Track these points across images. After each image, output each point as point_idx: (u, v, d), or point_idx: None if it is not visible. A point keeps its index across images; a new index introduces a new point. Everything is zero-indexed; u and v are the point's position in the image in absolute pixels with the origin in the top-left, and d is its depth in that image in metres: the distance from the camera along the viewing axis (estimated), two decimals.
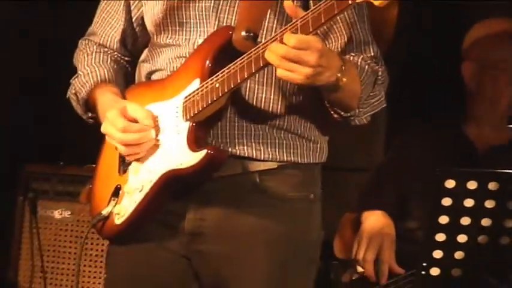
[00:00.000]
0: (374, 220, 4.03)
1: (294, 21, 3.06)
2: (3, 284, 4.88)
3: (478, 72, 4.30)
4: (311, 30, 3.01)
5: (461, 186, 3.72)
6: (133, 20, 3.50)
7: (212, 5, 3.29)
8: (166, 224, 3.26)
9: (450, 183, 3.70)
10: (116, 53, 3.54)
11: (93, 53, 3.55)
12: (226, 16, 3.25)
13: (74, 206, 4.73)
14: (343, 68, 3.09)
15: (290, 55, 3.00)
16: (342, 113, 3.25)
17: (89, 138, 3.75)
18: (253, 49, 3.09)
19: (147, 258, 3.30)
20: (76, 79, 3.49)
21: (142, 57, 3.47)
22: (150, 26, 3.43)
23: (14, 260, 4.82)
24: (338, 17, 3.21)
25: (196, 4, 3.32)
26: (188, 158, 3.17)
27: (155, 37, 3.41)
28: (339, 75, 3.07)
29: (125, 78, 3.53)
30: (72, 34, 4.34)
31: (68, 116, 4.34)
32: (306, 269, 3.37)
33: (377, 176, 4.31)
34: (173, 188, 3.23)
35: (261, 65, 3.10)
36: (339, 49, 3.33)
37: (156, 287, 3.33)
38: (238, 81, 3.10)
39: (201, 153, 3.12)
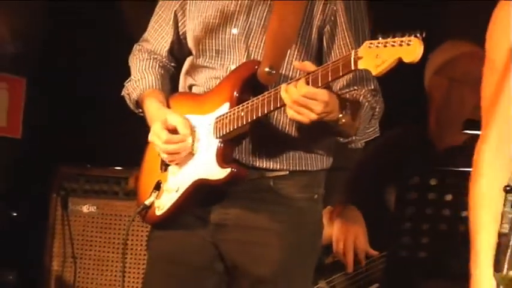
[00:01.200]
0: (346, 214, 4.08)
1: (307, 73, 3.17)
2: (40, 268, 4.84)
3: (445, 85, 4.28)
4: (320, 84, 3.12)
5: (425, 182, 3.81)
6: (180, 34, 3.56)
7: (244, 34, 3.37)
8: (197, 216, 3.37)
9: (415, 180, 3.79)
10: (164, 59, 3.60)
11: (145, 60, 3.61)
12: (254, 49, 3.35)
13: (99, 202, 4.74)
14: (344, 112, 3.19)
15: (300, 101, 3.11)
16: (341, 139, 3.35)
17: (111, 144, 3.87)
18: (273, 89, 3.21)
19: (182, 242, 3.40)
20: (129, 83, 3.57)
21: (185, 69, 3.55)
22: (190, 43, 3.51)
23: (49, 248, 4.82)
24: (344, 53, 3.33)
25: (231, 38, 3.40)
26: (215, 172, 3.29)
27: (195, 58, 3.49)
28: (340, 116, 3.18)
29: (171, 80, 3.60)
30: (100, 42, 4.44)
31: (94, 125, 4.46)
32: (310, 254, 3.47)
33: (353, 175, 4.30)
34: (202, 192, 3.35)
35: (278, 105, 3.21)
36: (345, 83, 3.39)
37: (189, 267, 3.40)
38: (260, 115, 3.23)
39: (227, 171, 3.25)
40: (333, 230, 4.08)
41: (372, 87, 3.38)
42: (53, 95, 5.25)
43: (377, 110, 3.39)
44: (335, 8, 3.34)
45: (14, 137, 5.15)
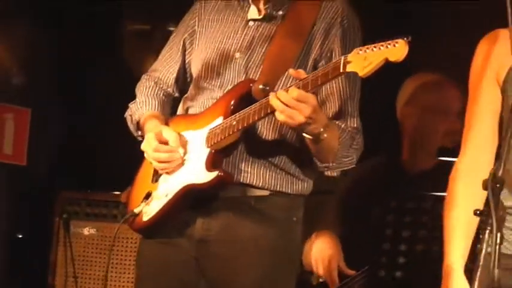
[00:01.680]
0: (322, 240, 4.06)
1: (298, 80, 3.18)
2: (43, 286, 4.82)
3: (415, 115, 4.28)
4: (309, 88, 3.13)
5: (401, 206, 3.86)
6: (186, 62, 3.58)
7: (244, 63, 3.38)
8: (181, 232, 3.33)
9: (392, 204, 3.84)
10: (169, 88, 3.60)
11: (151, 87, 3.61)
12: (252, 72, 3.35)
13: (99, 225, 4.73)
14: (327, 126, 3.19)
15: (291, 103, 3.11)
16: (318, 164, 3.33)
17: (111, 170, 3.90)
18: (264, 99, 3.20)
19: (166, 257, 3.37)
20: (133, 104, 3.59)
21: (187, 94, 3.55)
22: (194, 70, 3.51)
23: (52, 268, 4.82)
24: (334, 90, 3.37)
25: (231, 60, 3.42)
26: (204, 176, 3.27)
27: (197, 80, 3.48)
28: (322, 130, 3.17)
29: (170, 107, 3.60)
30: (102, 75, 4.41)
31: (95, 152, 4.48)
32: (288, 273, 3.43)
33: (333, 202, 4.31)
34: (190, 197, 3.31)
35: (268, 111, 3.20)
36: (330, 116, 3.38)
37: (173, 280, 3.37)
38: (250, 122, 3.22)
39: (214, 174, 3.24)
40: (311, 256, 4.08)
41: (355, 125, 3.39)
42: (56, 124, 5.24)
43: (356, 140, 3.38)
44: (333, 46, 3.36)
45: (20, 164, 5.13)
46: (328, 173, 3.42)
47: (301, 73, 3.20)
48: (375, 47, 3.05)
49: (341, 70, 3.07)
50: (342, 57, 3.09)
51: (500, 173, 2.43)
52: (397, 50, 3.00)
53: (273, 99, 3.17)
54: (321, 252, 4.06)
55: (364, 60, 3.06)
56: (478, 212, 2.43)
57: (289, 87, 3.18)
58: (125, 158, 3.47)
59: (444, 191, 3.55)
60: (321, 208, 4.25)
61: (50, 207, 4.88)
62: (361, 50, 3.06)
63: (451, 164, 3.66)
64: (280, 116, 3.15)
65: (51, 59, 5.33)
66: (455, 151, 3.80)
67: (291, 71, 3.24)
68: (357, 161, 3.44)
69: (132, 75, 3.67)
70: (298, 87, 3.15)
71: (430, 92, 4.24)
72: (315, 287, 4.25)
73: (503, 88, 2.82)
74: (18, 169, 5.19)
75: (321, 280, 4.21)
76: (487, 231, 2.36)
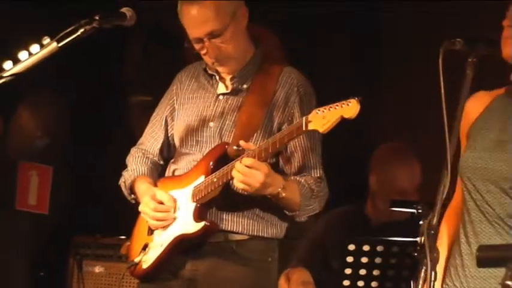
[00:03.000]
0: (298, 275, 4.04)
1: (250, 150, 3.18)
2: None
3: (379, 179, 4.31)
4: (262, 156, 3.15)
5: (359, 249, 3.79)
6: (169, 135, 3.55)
7: (218, 130, 3.36)
8: (173, 273, 3.32)
9: (351, 247, 3.75)
10: (155, 158, 3.57)
11: (139, 157, 3.58)
12: (226, 137, 3.33)
13: (108, 264, 4.69)
14: (285, 186, 3.21)
15: (245, 172, 3.12)
16: (287, 212, 3.32)
17: (117, 219, 3.90)
18: (234, 161, 3.18)
19: None
20: (126, 172, 3.56)
21: (172, 160, 3.50)
22: (176, 139, 3.49)
23: None
24: (298, 148, 3.36)
25: (207, 129, 3.39)
26: (192, 227, 3.27)
27: (179, 148, 3.47)
28: (280, 190, 3.19)
29: (157, 173, 3.55)
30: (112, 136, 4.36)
31: (105, 203, 4.41)
32: None
33: (306, 243, 4.32)
34: (181, 245, 3.30)
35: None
36: (296, 169, 3.36)
37: None
38: (228, 178, 3.19)
39: (201, 224, 3.24)
40: (290, 285, 4.04)
41: (318, 175, 3.36)
42: (71, 179, 5.19)
43: (315, 191, 3.34)
44: (293, 111, 3.32)
45: (42, 213, 5.04)
46: (297, 219, 3.36)
47: (250, 145, 3.22)
48: (331, 107, 3.04)
49: (303, 129, 3.07)
50: (304, 118, 3.08)
51: (434, 221, 2.45)
52: (350, 108, 3.01)
53: (233, 171, 3.18)
54: (296, 284, 4.02)
55: (323, 118, 3.05)
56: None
57: (242, 157, 3.20)
58: (128, 208, 3.49)
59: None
60: (294, 250, 4.23)
61: (66, 249, 4.84)
62: (319, 110, 3.07)
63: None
64: (239, 185, 3.17)
65: (68, 126, 5.28)
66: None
67: (242, 142, 3.25)
68: (321, 207, 3.42)
69: (134, 139, 3.70)
70: (253, 157, 3.17)
71: (385, 158, 4.27)
72: None
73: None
74: (41, 217, 5.08)
75: None
76: (423, 270, 2.39)
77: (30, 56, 2.80)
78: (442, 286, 3.00)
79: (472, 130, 2.98)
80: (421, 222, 2.49)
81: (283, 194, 3.22)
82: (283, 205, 3.29)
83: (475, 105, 3.03)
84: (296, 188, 3.28)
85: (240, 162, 3.18)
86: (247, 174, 3.15)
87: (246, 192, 3.22)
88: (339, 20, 5.18)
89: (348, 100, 3.01)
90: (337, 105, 3.03)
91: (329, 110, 3.05)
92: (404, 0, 4.92)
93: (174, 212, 3.36)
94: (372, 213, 4.39)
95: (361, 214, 4.41)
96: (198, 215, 3.27)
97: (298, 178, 3.32)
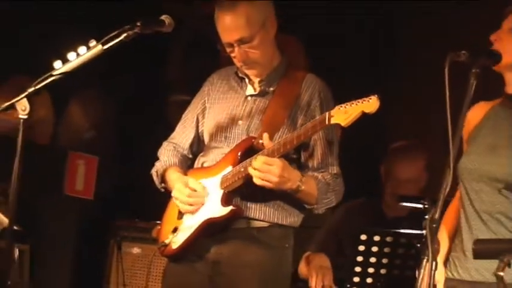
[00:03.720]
0: (318, 259, 4.02)
1: (265, 148, 3.18)
2: None
3: (385, 169, 4.31)
4: (276, 154, 3.14)
5: (370, 239, 3.81)
6: (199, 133, 3.54)
7: (246, 128, 3.35)
8: (199, 255, 3.32)
9: (363, 236, 3.78)
10: (184, 151, 3.56)
11: (171, 150, 3.56)
12: (252, 133, 3.31)
13: (144, 246, 4.70)
14: (302, 180, 3.20)
15: (262, 168, 3.13)
16: (306, 206, 3.31)
17: (152, 205, 3.87)
18: (256, 154, 3.18)
19: (186, 276, 3.37)
20: (158, 162, 3.54)
21: (202, 153, 3.49)
22: (206, 135, 3.47)
23: (107, 277, 4.81)
24: (318, 147, 3.35)
25: (235, 126, 3.38)
26: (220, 211, 3.28)
27: (208, 142, 3.45)
28: (299, 183, 3.20)
29: (187, 165, 3.54)
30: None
31: (142, 192, 4.22)
32: (282, 285, 3.39)
33: (324, 231, 4.30)
34: (208, 229, 3.31)
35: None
36: (315, 166, 3.34)
37: None
38: (248, 172, 3.19)
39: (228, 208, 3.25)
40: (309, 269, 4.03)
41: (335, 172, 3.35)
42: (114, 168, 5.19)
43: (331, 186, 3.33)
44: (314, 113, 3.30)
45: (88, 198, 5.06)
46: (315, 211, 3.36)
47: (269, 143, 3.19)
48: (352, 103, 3.04)
49: (327, 122, 3.07)
50: (327, 113, 3.08)
51: (436, 216, 2.47)
52: (371, 104, 3.01)
53: (249, 169, 3.18)
54: (316, 267, 4.00)
55: (345, 113, 3.05)
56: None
57: (258, 154, 3.20)
58: (163, 196, 3.44)
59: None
60: (313, 238, 4.19)
61: (107, 233, 4.87)
62: (341, 106, 3.07)
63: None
64: (257, 181, 3.16)
65: (114, 120, 5.30)
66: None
67: (265, 137, 3.23)
68: (338, 200, 3.40)
69: (171, 133, 3.72)
70: (267, 155, 3.16)
71: (399, 154, 4.26)
72: None
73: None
74: (86, 202, 5.08)
75: None
76: (425, 259, 2.43)
77: (78, 56, 2.83)
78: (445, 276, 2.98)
79: (470, 137, 2.99)
80: (426, 217, 2.49)
81: (303, 187, 3.21)
82: (302, 199, 3.30)
83: (475, 115, 3.01)
84: (313, 183, 3.28)
85: (256, 159, 3.18)
86: (264, 171, 3.15)
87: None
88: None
89: (369, 97, 3.01)
90: (358, 101, 3.03)
91: (351, 105, 3.05)
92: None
93: (204, 196, 3.35)
94: (385, 206, 4.37)
95: (378, 207, 4.38)
96: (226, 201, 3.27)
97: (315, 174, 3.32)
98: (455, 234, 3.08)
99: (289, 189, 3.21)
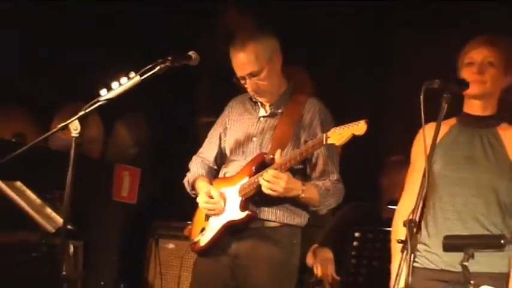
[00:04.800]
0: (323, 252, 4.02)
1: (275, 164, 3.17)
2: (141, 281, 4.80)
3: (385, 181, 4.27)
4: (283, 168, 3.15)
5: (364, 236, 3.95)
6: (222, 147, 3.52)
7: (259, 143, 3.34)
8: (222, 250, 3.34)
9: (357, 234, 3.92)
10: (210, 164, 3.54)
11: (199, 163, 3.54)
12: (264, 149, 3.31)
13: (177, 243, 4.65)
14: (303, 188, 3.21)
15: (270, 180, 3.14)
16: (310, 208, 3.32)
17: (185, 208, 3.77)
18: (268, 168, 3.18)
19: (211, 268, 3.39)
20: (189, 173, 3.53)
21: (224, 165, 3.48)
22: (227, 150, 3.46)
23: (146, 268, 4.81)
24: (320, 158, 3.31)
25: (251, 142, 3.37)
26: (239, 215, 3.29)
27: (229, 156, 3.44)
28: (300, 192, 3.21)
29: (212, 175, 3.52)
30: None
31: (176, 197, 4.03)
32: (290, 277, 3.40)
33: (328, 228, 4.23)
34: (229, 229, 3.32)
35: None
36: (318, 174, 3.32)
37: (216, 282, 3.37)
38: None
39: (245, 213, 3.27)
40: (315, 261, 4.03)
41: (335, 178, 3.33)
42: (154, 179, 5.12)
43: (331, 191, 3.32)
44: (315, 131, 3.30)
45: (131, 203, 5.01)
46: (319, 212, 3.37)
47: (278, 159, 3.18)
48: (345, 126, 3.04)
49: (324, 142, 3.08)
50: (324, 134, 3.08)
51: (415, 217, 2.48)
52: (359, 127, 3.00)
53: (260, 179, 3.18)
54: (321, 259, 3.99)
55: (339, 135, 3.04)
56: (399, 240, 2.49)
57: (268, 168, 3.19)
58: (192, 200, 3.57)
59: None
60: (318, 234, 4.13)
61: (146, 231, 4.87)
62: (336, 128, 3.07)
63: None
64: (266, 190, 3.17)
65: (153, 138, 5.22)
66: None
67: (277, 155, 3.20)
68: (337, 202, 3.38)
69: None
70: (284, 164, 3.17)
71: (394, 168, 4.19)
72: (310, 282, 4.15)
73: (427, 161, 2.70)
74: (129, 206, 5.02)
75: (313, 279, 4.12)
76: (405, 253, 2.44)
77: (120, 85, 2.84)
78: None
79: (437, 149, 2.88)
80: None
81: (303, 195, 3.22)
82: (306, 203, 3.29)
83: (429, 133, 2.87)
84: (314, 190, 3.27)
85: (267, 172, 3.17)
86: (272, 182, 3.16)
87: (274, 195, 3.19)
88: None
89: (359, 121, 3.01)
90: (350, 125, 3.03)
91: (343, 128, 3.05)
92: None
93: (224, 204, 3.35)
94: (381, 209, 4.33)
95: (374, 210, 4.36)
96: (243, 206, 3.29)
97: (316, 182, 3.30)
98: None
99: (293, 196, 3.22)
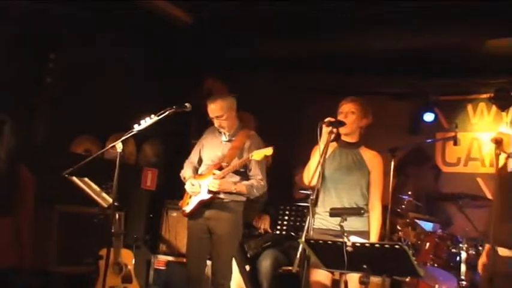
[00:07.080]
0: (265, 216, 4.15)
1: (222, 171, 3.40)
2: (156, 238, 4.89)
3: (299, 180, 4.24)
4: (226, 173, 3.44)
5: (286, 208, 4.19)
6: (201, 156, 3.77)
7: (220, 157, 3.56)
8: (200, 215, 3.65)
9: (282, 207, 4.17)
10: (195, 165, 3.76)
11: (188, 164, 3.77)
12: (222, 160, 3.53)
13: (178, 212, 4.47)
14: (235, 186, 3.52)
15: (211, 183, 3.43)
16: (245, 195, 3.59)
17: (181, 191, 3.93)
18: (220, 172, 3.41)
19: (195, 225, 3.67)
20: (182, 170, 3.78)
21: (201, 165, 3.67)
22: (203, 158, 3.70)
23: (160, 228, 4.93)
24: (252, 166, 3.48)
25: (215, 156, 3.58)
26: (206, 196, 3.60)
27: (204, 161, 3.67)
28: (232, 189, 3.53)
29: (195, 172, 3.70)
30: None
31: (178, 183, 4.12)
32: (238, 230, 3.67)
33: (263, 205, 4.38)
34: (201, 203, 3.60)
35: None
36: (250, 175, 3.52)
37: (200, 233, 3.62)
38: (221, 177, 3.49)
39: (210, 195, 3.60)
40: (257, 220, 4.37)
41: (259, 178, 3.62)
42: (167, 174, 5.11)
43: (254, 186, 3.57)
44: (249, 152, 3.55)
45: (153, 189, 5.10)
46: (250, 197, 3.66)
47: (225, 167, 3.43)
48: (262, 150, 3.39)
49: (250, 158, 3.48)
50: (250, 154, 3.50)
51: (314, 198, 2.77)
52: (268, 151, 3.38)
53: (208, 183, 3.43)
54: (262, 218, 4.36)
55: (258, 154, 3.42)
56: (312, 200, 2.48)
57: (214, 176, 3.46)
58: (184, 188, 3.73)
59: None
60: (251, 207, 4.19)
61: (161, 206, 4.99)
62: (257, 151, 3.43)
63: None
64: (210, 188, 3.45)
65: (168, 152, 5.24)
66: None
67: (224, 164, 3.45)
68: (260, 193, 3.62)
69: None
70: (227, 172, 3.49)
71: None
72: (253, 236, 4.51)
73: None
74: (151, 191, 5.09)
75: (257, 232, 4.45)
76: (307, 220, 2.69)
77: (146, 122, 3.08)
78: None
79: (327, 160, 3.11)
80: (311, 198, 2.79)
81: (234, 190, 3.57)
82: (238, 193, 3.63)
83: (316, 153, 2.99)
84: (243, 186, 3.60)
85: (213, 178, 3.50)
86: (212, 183, 3.55)
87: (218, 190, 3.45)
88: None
89: (269, 147, 3.37)
90: (266, 148, 3.39)
91: (262, 150, 3.42)
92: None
93: (200, 189, 3.67)
94: (295, 193, 4.61)
95: (291, 194, 4.58)
96: (209, 192, 3.64)
97: (245, 182, 3.60)
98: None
99: (229, 190, 3.60)
